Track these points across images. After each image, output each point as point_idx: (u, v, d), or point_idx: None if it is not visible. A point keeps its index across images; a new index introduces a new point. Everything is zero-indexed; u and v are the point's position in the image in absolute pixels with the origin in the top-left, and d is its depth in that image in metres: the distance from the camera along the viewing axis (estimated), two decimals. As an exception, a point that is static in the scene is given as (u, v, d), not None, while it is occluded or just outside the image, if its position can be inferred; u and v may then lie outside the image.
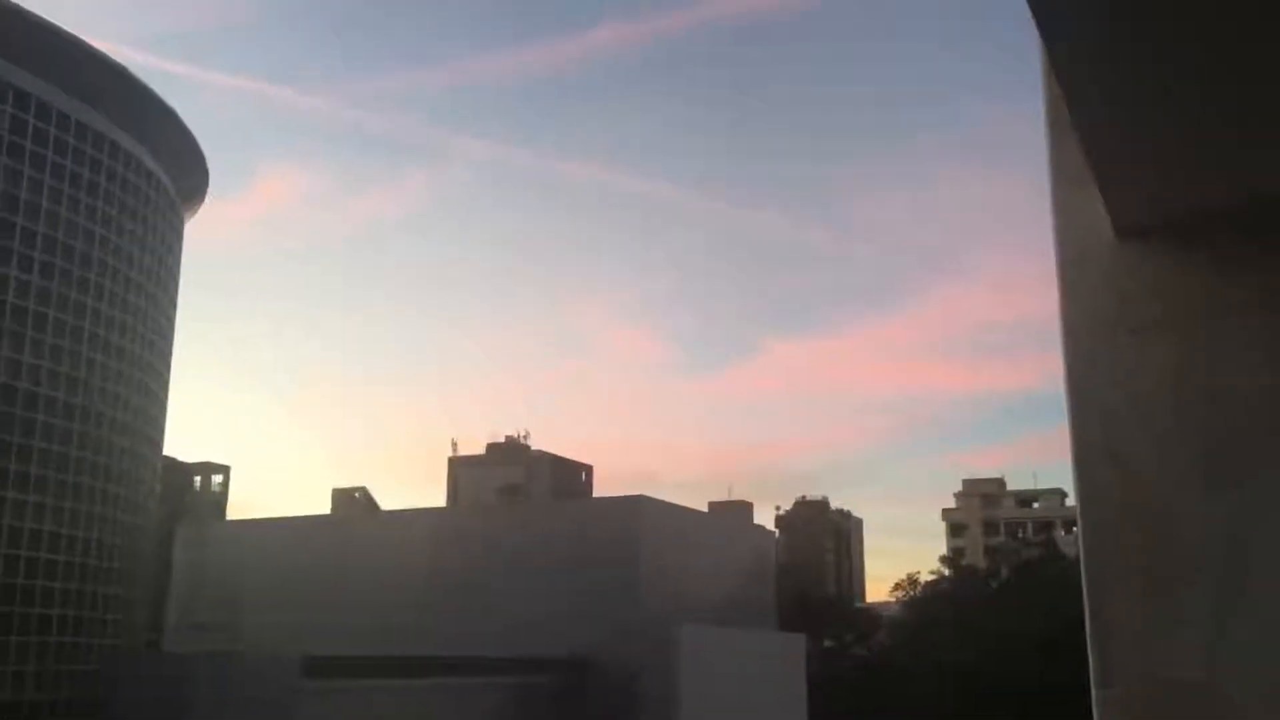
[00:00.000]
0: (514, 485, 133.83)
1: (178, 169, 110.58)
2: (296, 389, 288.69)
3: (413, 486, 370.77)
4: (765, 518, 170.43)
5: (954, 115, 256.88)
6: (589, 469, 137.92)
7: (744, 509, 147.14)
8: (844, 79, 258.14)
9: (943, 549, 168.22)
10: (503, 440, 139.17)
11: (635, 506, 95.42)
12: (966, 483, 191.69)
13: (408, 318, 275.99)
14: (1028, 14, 3.34)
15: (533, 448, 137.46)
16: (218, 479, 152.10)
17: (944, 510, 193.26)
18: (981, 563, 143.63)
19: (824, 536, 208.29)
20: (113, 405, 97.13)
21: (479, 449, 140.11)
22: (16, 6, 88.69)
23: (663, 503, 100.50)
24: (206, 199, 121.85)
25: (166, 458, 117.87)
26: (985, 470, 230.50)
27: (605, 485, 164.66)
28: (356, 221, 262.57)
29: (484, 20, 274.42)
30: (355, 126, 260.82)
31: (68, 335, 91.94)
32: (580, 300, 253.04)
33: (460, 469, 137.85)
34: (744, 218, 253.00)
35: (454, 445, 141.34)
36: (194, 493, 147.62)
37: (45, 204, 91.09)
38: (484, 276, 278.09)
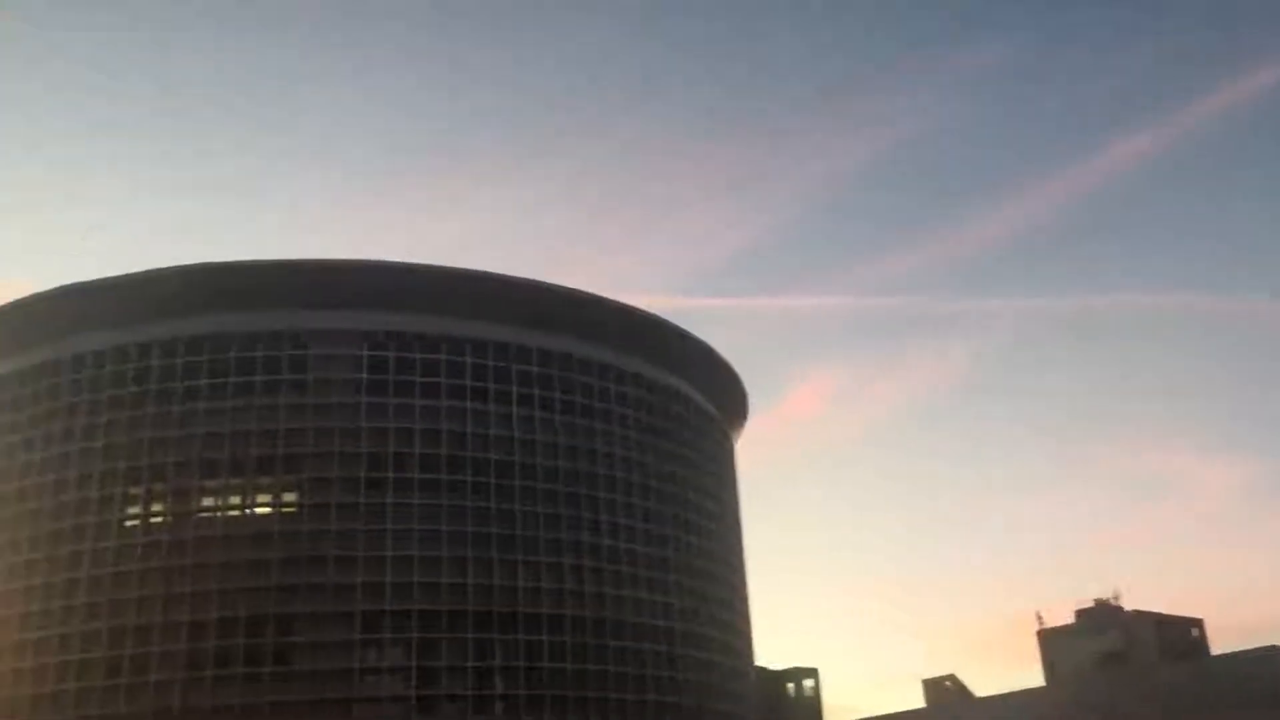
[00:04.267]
0: (1113, 652, 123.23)
1: (720, 396, 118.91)
2: (870, 583, 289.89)
3: (1003, 665, 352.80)
4: None
5: None
6: (1198, 623, 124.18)
7: None
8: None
9: None
10: (1091, 604, 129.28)
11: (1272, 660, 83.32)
12: None
13: (966, 488, 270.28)
14: None
15: (1126, 608, 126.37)
16: (809, 683, 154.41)
17: None
18: None
19: None
20: (705, 625, 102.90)
21: (1067, 617, 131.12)
22: (594, 296, 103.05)
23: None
24: (749, 416, 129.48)
25: (757, 668, 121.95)
26: None
27: (1222, 639, 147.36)
28: (894, 403, 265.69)
29: (976, 173, 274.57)
30: (875, 313, 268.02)
31: (654, 567, 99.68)
32: (1159, 439, 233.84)
33: (1051, 641, 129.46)
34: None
35: (1039, 618, 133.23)
36: (788, 699, 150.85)
37: (618, 451, 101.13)
38: (1033, 435, 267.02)
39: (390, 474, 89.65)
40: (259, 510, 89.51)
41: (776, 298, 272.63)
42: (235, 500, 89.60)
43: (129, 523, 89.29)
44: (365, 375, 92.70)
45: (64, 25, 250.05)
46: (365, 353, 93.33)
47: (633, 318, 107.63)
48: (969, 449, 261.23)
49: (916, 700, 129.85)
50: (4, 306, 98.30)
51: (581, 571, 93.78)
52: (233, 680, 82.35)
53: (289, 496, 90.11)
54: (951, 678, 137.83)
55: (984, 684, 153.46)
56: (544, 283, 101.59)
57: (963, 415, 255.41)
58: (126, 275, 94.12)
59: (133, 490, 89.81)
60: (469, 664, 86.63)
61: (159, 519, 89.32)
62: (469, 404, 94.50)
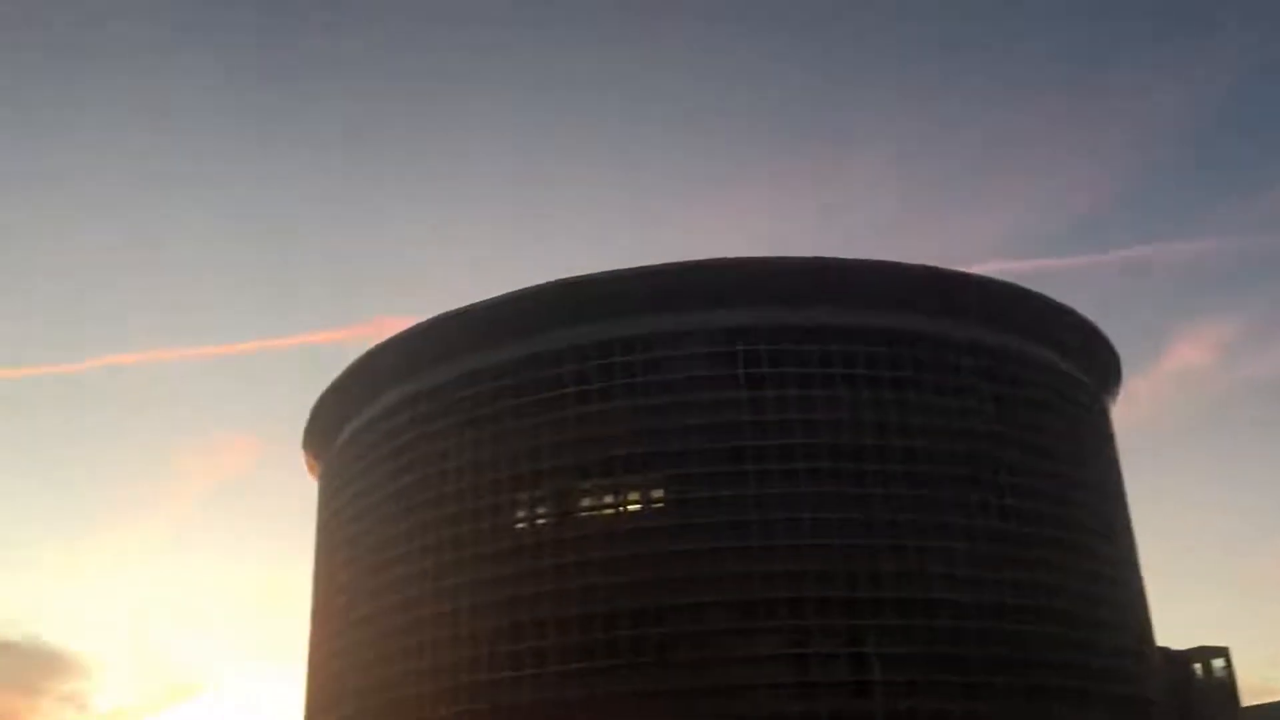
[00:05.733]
0: None
1: (1089, 361, 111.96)
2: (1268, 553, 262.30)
3: None
4: None
5: None
6: None
7: None
8: None
9: None
10: None
11: None
12: None
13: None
14: None
15: None
16: (1218, 663, 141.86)
17: None
18: None
19: None
20: (1086, 603, 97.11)
21: None
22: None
23: None
24: (1123, 379, 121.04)
25: (1159, 648, 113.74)
26: None
27: None
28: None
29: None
30: (1262, 253, 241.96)
31: (1026, 544, 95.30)
32: None
33: None
34: None
35: None
36: (1196, 681, 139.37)
37: (979, 427, 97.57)
38: None
39: (751, 466, 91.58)
40: (630, 508, 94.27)
41: (1135, 249, 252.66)
42: (609, 500, 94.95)
43: (518, 525, 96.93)
44: (719, 372, 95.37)
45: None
46: (716, 350, 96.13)
47: (988, 289, 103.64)
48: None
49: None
50: (399, 336, 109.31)
51: (952, 554, 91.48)
52: (620, 670, 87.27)
53: (656, 494, 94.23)
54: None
55: None
56: (892, 262, 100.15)
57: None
58: (499, 296, 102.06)
59: (519, 495, 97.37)
60: (844, 650, 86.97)
61: (543, 520, 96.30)
62: (823, 391, 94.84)
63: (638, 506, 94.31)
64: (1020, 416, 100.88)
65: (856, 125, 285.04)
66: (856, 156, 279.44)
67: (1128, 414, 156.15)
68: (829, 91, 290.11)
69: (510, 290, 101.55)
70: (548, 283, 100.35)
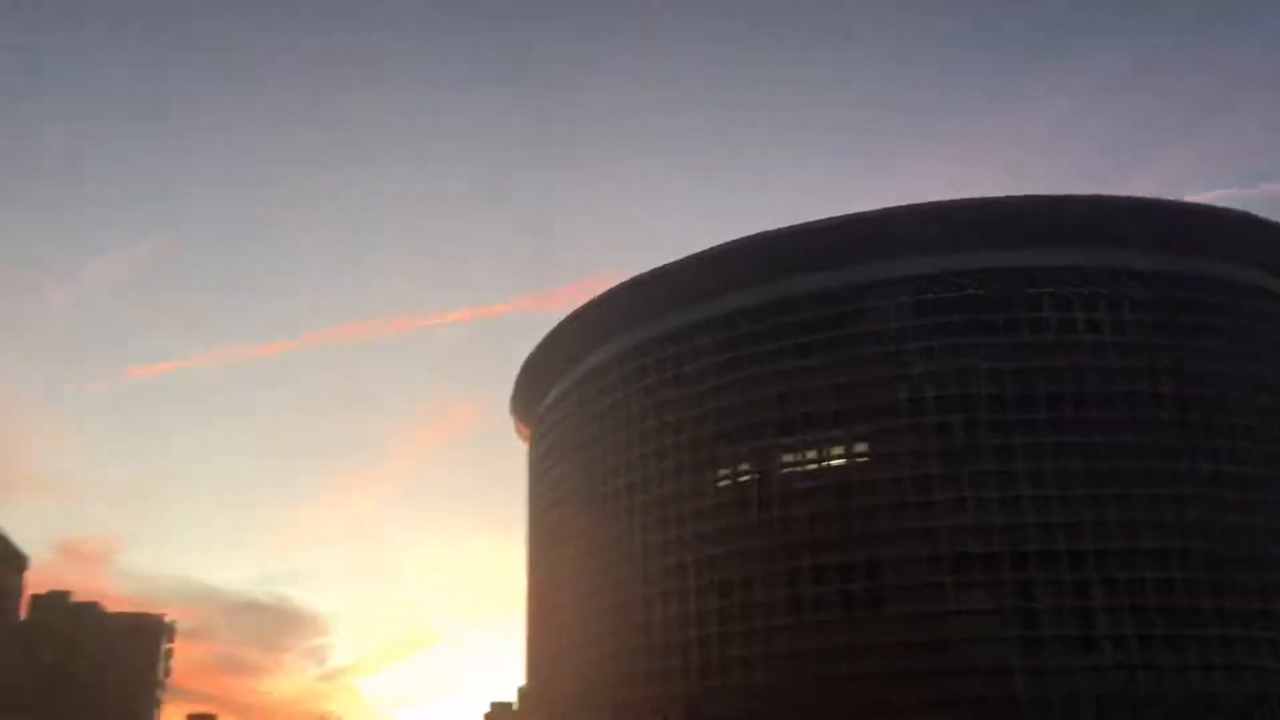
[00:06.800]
0: None
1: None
2: None
3: None
4: None
5: None
6: None
7: None
8: None
9: None
10: None
11: None
12: None
13: None
14: None
15: None
16: None
17: None
18: None
19: None
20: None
21: None
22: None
23: None
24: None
25: None
26: None
27: None
28: None
29: None
30: None
31: (1272, 489, 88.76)
32: None
33: None
34: None
35: None
36: None
37: (1205, 367, 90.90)
38: None
39: (958, 416, 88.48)
40: (834, 463, 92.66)
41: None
42: (811, 455, 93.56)
43: (720, 483, 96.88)
44: (923, 321, 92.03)
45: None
46: (918, 299, 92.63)
47: (1224, 220, 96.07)
48: None
49: None
50: (597, 300, 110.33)
51: (1183, 502, 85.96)
52: (830, 625, 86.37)
53: (860, 447, 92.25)
54: None
55: None
56: (1100, 196, 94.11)
57: None
58: (696, 254, 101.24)
59: (720, 452, 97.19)
60: (1068, 604, 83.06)
61: (746, 477, 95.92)
62: (1033, 337, 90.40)
63: (842, 461, 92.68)
64: (1265, 354, 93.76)
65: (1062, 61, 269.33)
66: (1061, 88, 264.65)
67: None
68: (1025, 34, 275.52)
69: (709, 247, 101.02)
70: (746, 238, 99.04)
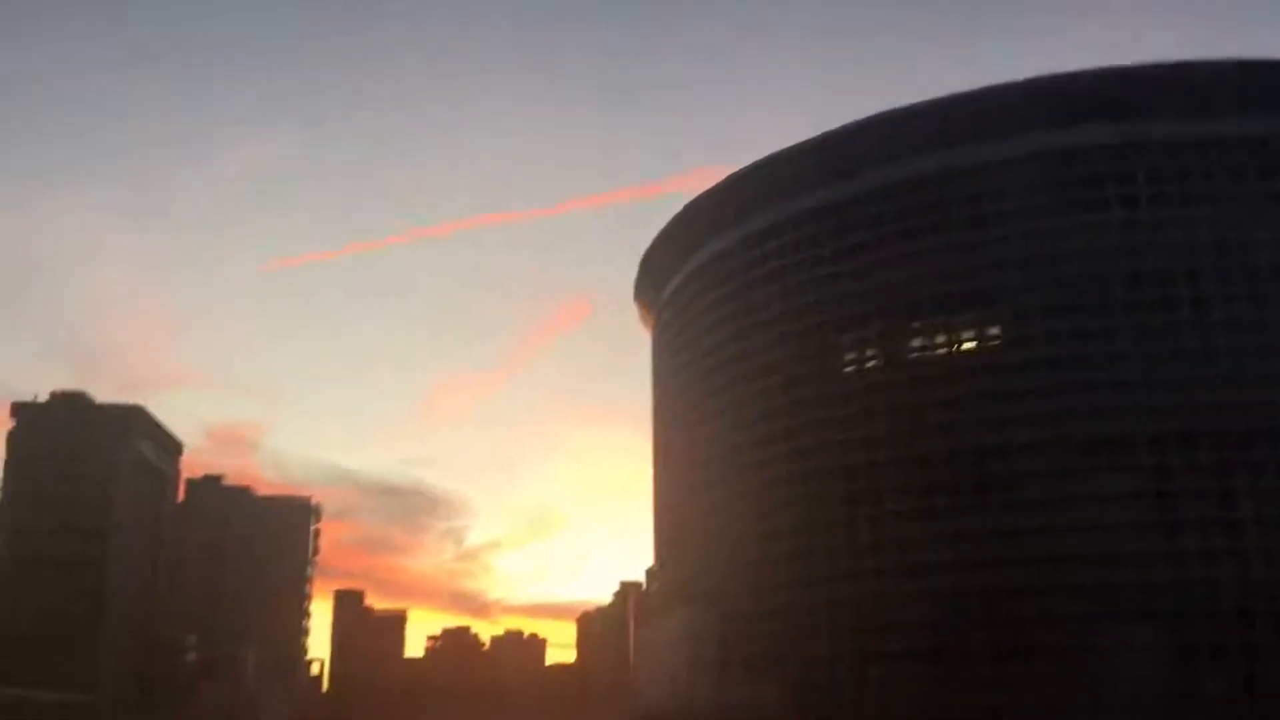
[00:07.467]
0: None
1: None
2: None
3: None
4: None
5: None
6: None
7: None
8: None
9: None
10: None
11: None
12: None
13: None
14: None
15: None
16: None
17: None
18: None
19: None
20: None
21: None
22: None
23: None
24: None
25: None
26: None
27: None
28: None
29: None
30: None
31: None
32: None
33: None
34: None
35: None
36: None
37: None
38: None
39: (1091, 295, 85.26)
40: (964, 347, 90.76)
41: None
42: (940, 339, 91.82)
43: (847, 368, 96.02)
44: (1055, 199, 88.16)
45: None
46: (1051, 175, 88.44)
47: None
48: None
49: None
50: (723, 183, 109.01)
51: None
52: (961, 510, 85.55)
53: (992, 330, 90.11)
54: None
55: None
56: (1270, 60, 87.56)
57: None
58: (819, 136, 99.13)
59: (847, 337, 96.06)
60: (1208, 485, 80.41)
61: (872, 363, 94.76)
62: (1176, 211, 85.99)
63: (972, 345, 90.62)
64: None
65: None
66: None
67: None
68: None
69: (828, 129, 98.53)
70: (871, 116, 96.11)
